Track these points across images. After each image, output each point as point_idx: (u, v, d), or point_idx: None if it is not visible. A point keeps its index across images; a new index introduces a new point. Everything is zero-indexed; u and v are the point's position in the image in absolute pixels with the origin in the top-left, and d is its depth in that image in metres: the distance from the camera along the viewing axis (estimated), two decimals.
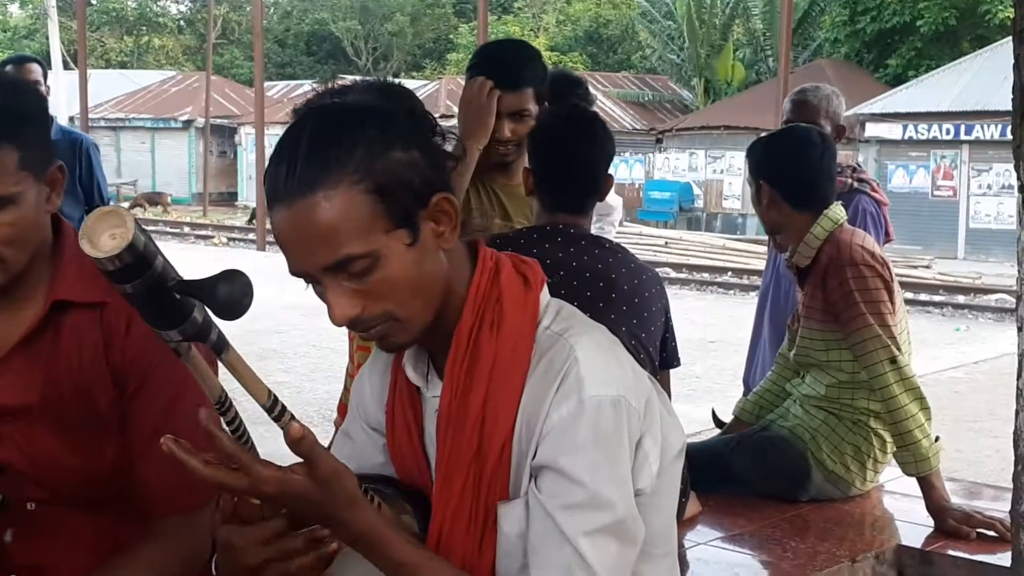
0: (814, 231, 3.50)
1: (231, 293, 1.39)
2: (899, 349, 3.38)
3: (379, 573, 1.65)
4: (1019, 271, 2.26)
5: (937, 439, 3.37)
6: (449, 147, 1.67)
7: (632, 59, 43.52)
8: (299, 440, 1.42)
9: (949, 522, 3.29)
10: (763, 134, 3.79)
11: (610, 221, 3.91)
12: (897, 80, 29.90)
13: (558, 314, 1.68)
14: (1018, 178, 2.25)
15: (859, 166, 4.54)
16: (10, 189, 1.84)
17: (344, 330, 2.96)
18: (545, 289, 1.70)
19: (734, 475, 3.64)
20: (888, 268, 3.50)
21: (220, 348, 1.46)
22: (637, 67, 42.04)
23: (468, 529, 1.61)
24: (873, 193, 4.40)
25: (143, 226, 1.39)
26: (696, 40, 34.90)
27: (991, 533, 3.24)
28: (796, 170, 3.54)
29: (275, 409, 1.45)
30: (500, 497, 1.61)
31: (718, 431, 4.07)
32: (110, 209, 1.37)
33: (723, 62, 34.02)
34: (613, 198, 3.70)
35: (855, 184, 4.37)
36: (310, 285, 1.59)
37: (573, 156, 3.02)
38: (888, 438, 3.51)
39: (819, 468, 3.58)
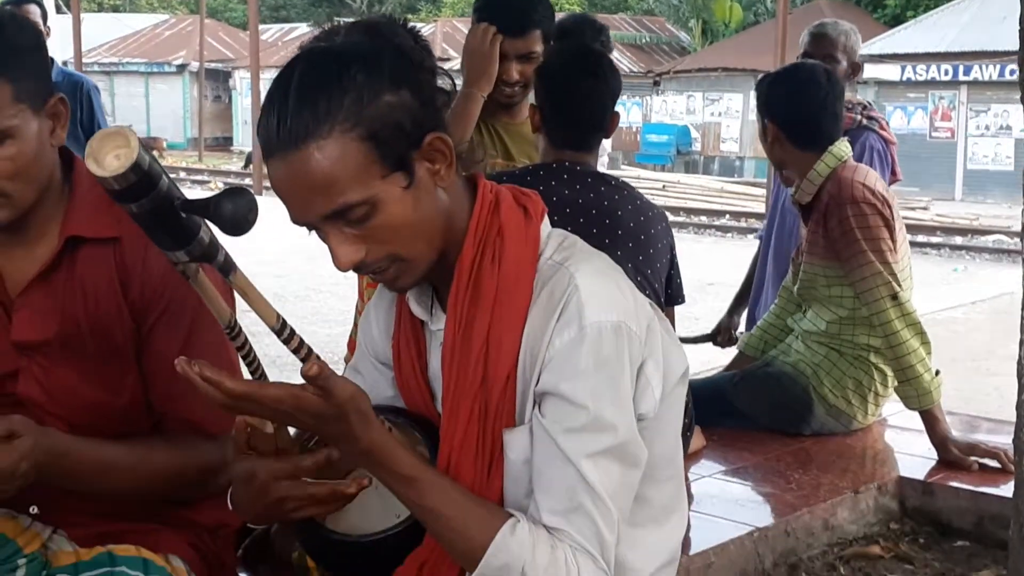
0: (817, 168, 3.52)
1: (236, 209, 1.40)
2: (900, 285, 3.42)
3: (385, 507, 1.69)
4: None
5: (938, 373, 3.41)
6: (440, 83, 1.67)
7: (629, 1, 43.20)
8: (316, 376, 1.44)
9: (952, 452, 3.34)
10: (767, 72, 3.79)
11: (601, 162, 3.93)
12: (895, 20, 29.76)
13: (559, 244, 1.70)
14: None
15: (870, 104, 4.52)
16: (7, 122, 1.85)
17: (350, 273, 3.01)
18: (546, 220, 1.72)
19: (737, 411, 3.69)
20: (889, 206, 3.53)
21: (227, 269, 1.48)
22: (634, 9, 41.72)
23: (476, 457, 1.64)
24: (882, 131, 4.40)
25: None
26: None
27: (993, 464, 3.29)
28: (799, 109, 3.56)
29: (284, 331, 1.48)
30: (506, 425, 1.64)
31: (722, 368, 4.12)
32: (114, 129, 1.39)
33: (721, 3, 33.74)
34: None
35: (864, 121, 4.37)
36: (313, 232, 1.61)
37: (580, 93, 3.03)
38: (889, 372, 3.56)
39: (821, 403, 3.63)
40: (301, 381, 1.47)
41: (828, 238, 3.52)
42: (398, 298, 1.81)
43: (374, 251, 1.58)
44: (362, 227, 1.56)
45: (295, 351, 1.49)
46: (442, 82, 1.68)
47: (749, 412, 3.69)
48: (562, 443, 1.57)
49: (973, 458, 3.33)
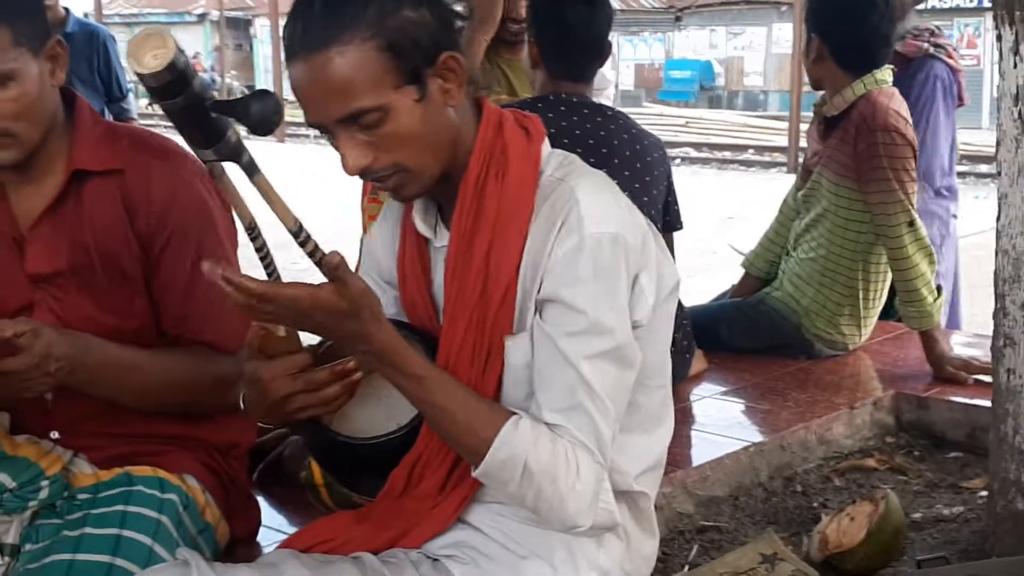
0: (854, 87, 3.56)
1: (263, 109, 1.52)
2: (915, 211, 3.48)
3: (388, 416, 1.79)
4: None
5: (940, 294, 3.48)
6: (459, 8, 1.76)
7: None
8: (337, 265, 1.53)
9: (947, 369, 3.43)
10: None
11: (606, 95, 3.97)
12: None
13: (560, 163, 1.78)
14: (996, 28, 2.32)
15: (938, 29, 4.44)
16: (8, 65, 1.94)
17: (356, 209, 3.10)
18: (546, 141, 1.80)
19: (734, 347, 3.78)
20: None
21: (251, 170, 1.58)
22: None
23: (472, 361, 1.74)
24: (948, 59, 4.34)
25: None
26: None
27: (988, 379, 3.36)
28: (851, 30, 3.57)
29: (301, 235, 1.57)
30: (503, 333, 1.73)
31: (726, 291, 4.18)
32: (152, 31, 1.49)
33: None
34: (608, 72, 3.76)
35: (931, 50, 4.30)
36: (326, 136, 1.70)
37: (576, 22, 3.09)
38: (878, 288, 3.64)
39: (816, 339, 3.72)
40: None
41: (852, 156, 3.54)
42: (403, 217, 1.90)
43: (381, 158, 1.67)
44: (372, 133, 1.64)
45: (311, 254, 1.57)
46: (461, 8, 1.76)
47: (746, 349, 3.77)
48: (562, 346, 1.66)
49: (965, 374, 3.41)
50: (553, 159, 1.79)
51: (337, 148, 1.68)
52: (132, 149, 2.13)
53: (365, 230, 3.18)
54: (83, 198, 2.11)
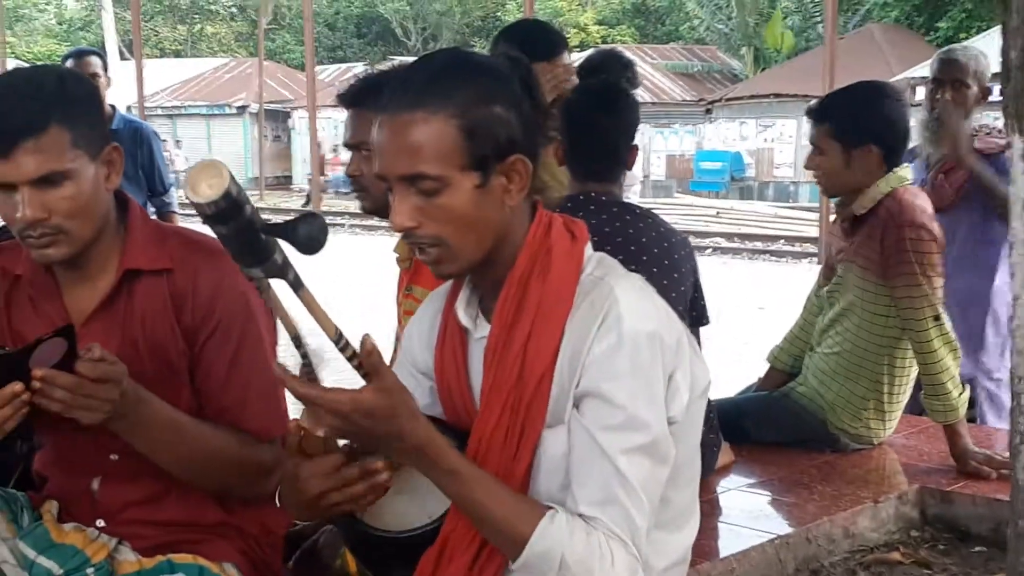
0: (879, 185, 3.63)
1: (310, 231, 1.62)
2: (942, 307, 3.54)
3: (420, 508, 1.86)
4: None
5: (964, 390, 3.53)
6: (548, 129, 1.89)
7: (680, 30, 43.23)
8: (371, 352, 1.61)
9: (971, 464, 3.46)
10: (820, 97, 3.80)
11: (633, 191, 4.08)
12: (948, 43, 29.35)
13: (599, 263, 1.88)
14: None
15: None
16: (65, 165, 2.06)
17: (392, 312, 3.17)
18: (589, 244, 1.90)
19: (760, 441, 3.82)
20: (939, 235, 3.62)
21: (297, 286, 1.68)
22: (686, 38, 41.78)
23: (504, 445, 1.80)
24: None
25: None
26: (744, 9, 34.64)
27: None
28: (900, 128, 3.66)
29: (341, 341, 1.66)
30: (535, 422, 1.80)
31: (752, 385, 4.23)
32: (208, 162, 1.60)
33: (772, 30, 33.65)
34: (635, 168, 3.88)
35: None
36: (388, 192, 1.80)
37: (594, 129, 3.21)
38: (902, 383, 3.68)
39: (841, 433, 3.76)
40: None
41: (879, 252, 3.60)
42: (444, 310, 1.99)
43: (427, 227, 1.77)
44: (426, 200, 1.75)
45: (350, 359, 1.65)
46: (548, 128, 1.89)
47: (772, 442, 3.82)
48: (600, 439, 1.73)
49: (988, 468, 3.44)
50: (593, 260, 1.87)
51: (391, 204, 1.79)
52: (180, 248, 2.25)
53: (400, 324, 3.27)
54: (134, 295, 2.22)
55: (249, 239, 1.62)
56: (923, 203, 3.64)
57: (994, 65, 3.61)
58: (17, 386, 1.91)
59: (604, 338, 1.75)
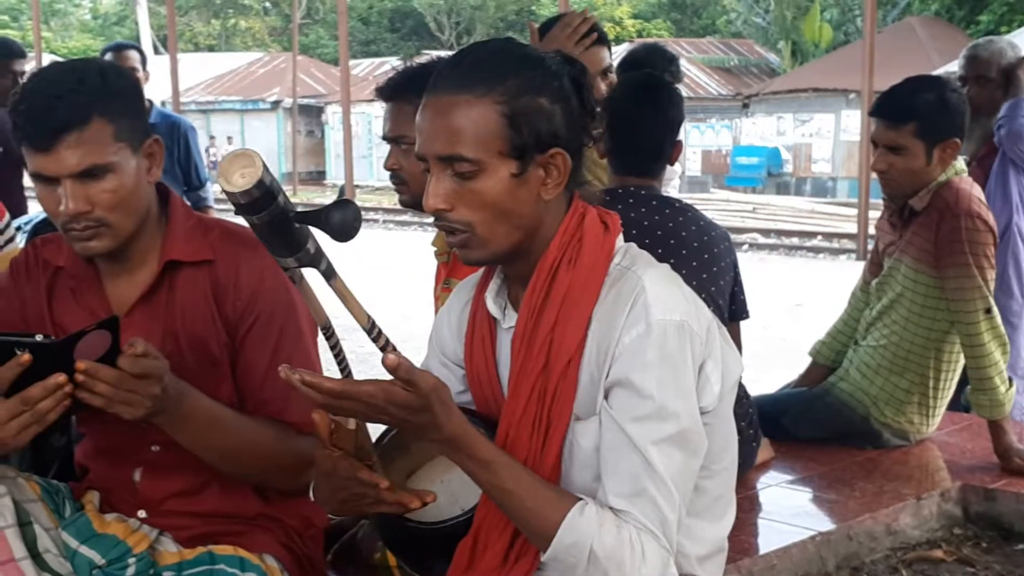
0: (940, 179, 3.60)
1: (344, 218, 1.62)
2: (993, 300, 3.50)
3: (452, 500, 1.86)
4: None
5: (1012, 385, 3.49)
6: (594, 130, 1.86)
7: (717, 24, 43.11)
8: (396, 368, 1.59)
9: (1015, 461, 3.43)
10: (884, 93, 3.77)
11: (672, 185, 4.06)
12: (989, 36, 29.27)
13: (627, 253, 1.86)
14: None
15: None
16: (108, 159, 2.07)
17: (428, 306, 3.17)
18: (621, 235, 1.89)
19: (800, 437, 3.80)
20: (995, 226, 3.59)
21: (329, 275, 1.67)
22: (722, 32, 41.66)
23: (532, 433, 1.80)
24: None
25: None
26: (782, 2, 34.45)
27: None
28: (965, 122, 3.65)
29: (373, 331, 1.65)
30: (564, 409, 1.79)
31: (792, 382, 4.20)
32: (241, 152, 1.60)
33: (810, 23, 33.53)
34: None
35: None
36: (425, 171, 1.80)
37: (639, 124, 3.19)
38: (947, 379, 3.64)
39: (884, 428, 3.72)
40: (387, 377, 1.63)
41: (934, 243, 3.57)
42: (473, 301, 1.99)
43: (459, 211, 1.76)
44: (461, 184, 1.75)
45: (382, 349, 1.66)
46: (594, 128, 1.86)
47: (812, 438, 3.79)
48: (629, 431, 1.72)
49: None
50: (622, 250, 1.86)
51: (427, 184, 1.78)
52: (222, 240, 2.25)
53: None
54: (175, 287, 2.22)
55: (282, 228, 1.61)
56: (979, 193, 3.63)
57: None
58: (60, 377, 1.90)
59: (632, 327, 1.74)
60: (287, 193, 1.68)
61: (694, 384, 1.77)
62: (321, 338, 1.71)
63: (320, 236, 1.72)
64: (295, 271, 1.67)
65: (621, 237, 1.88)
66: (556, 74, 1.78)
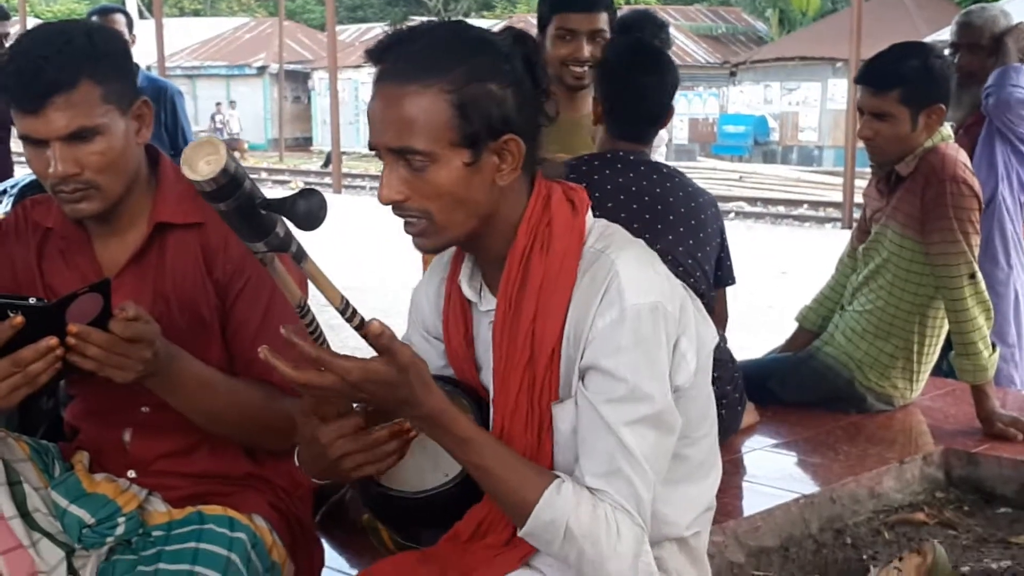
0: (924, 143, 3.62)
1: (309, 207, 1.61)
2: (976, 264, 3.52)
3: (435, 466, 1.87)
4: None
5: (994, 350, 3.51)
6: (548, 108, 1.85)
7: None
8: (379, 335, 1.60)
9: (997, 426, 3.46)
10: (869, 59, 3.76)
11: (659, 152, 4.06)
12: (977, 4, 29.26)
13: (601, 233, 1.86)
14: None
15: None
16: (96, 120, 2.07)
17: (418, 267, 3.18)
18: (590, 212, 1.88)
19: (785, 401, 3.83)
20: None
21: (299, 257, 1.68)
22: (710, 0, 41.57)
23: (526, 426, 1.82)
24: None
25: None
26: None
27: None
28: (951, 86, 3.67)
29: (347, 311, 1.66)
30: (552, 397, 1.81)
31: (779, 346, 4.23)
32: (205, 139, 1.60)
33: None
34: (662, 130, 3.87)
35: None
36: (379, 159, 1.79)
37: (641, 87, 3.18)
38: (931, 343, 3.67)
39: (868, 392, 3.75)
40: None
41: (920, 207, 3.58)
42: (448, 280, 1.99)
43: (414, 200, 1.76)
44: (414, 175, 1.74)
45: (357, 328, 1.64)
46: (550, 108, 1.85)
47: (797, 402, 3.82)
48: (604, 412, 1.74)
49: (1015, 431, 3.44)
50: (595, 229, 1.86)
51: (381, 173, 1.79)
52: None
53: None
54: (165, 249, 2.22)
55: (249, 215, 1.61)
56: (965, 159, 3.64)
57: None
58: (52, 340, 1.91)
59: (606, 312, 1.74)
60: (273, 159, 1.68)
61: (668, 364, 1.78)
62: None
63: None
64: (265, 255, 1.68)
65: (591, 214, 1.88)
66: (507, 56, 1.77)
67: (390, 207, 1.79)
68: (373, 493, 1.88)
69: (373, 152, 1.80)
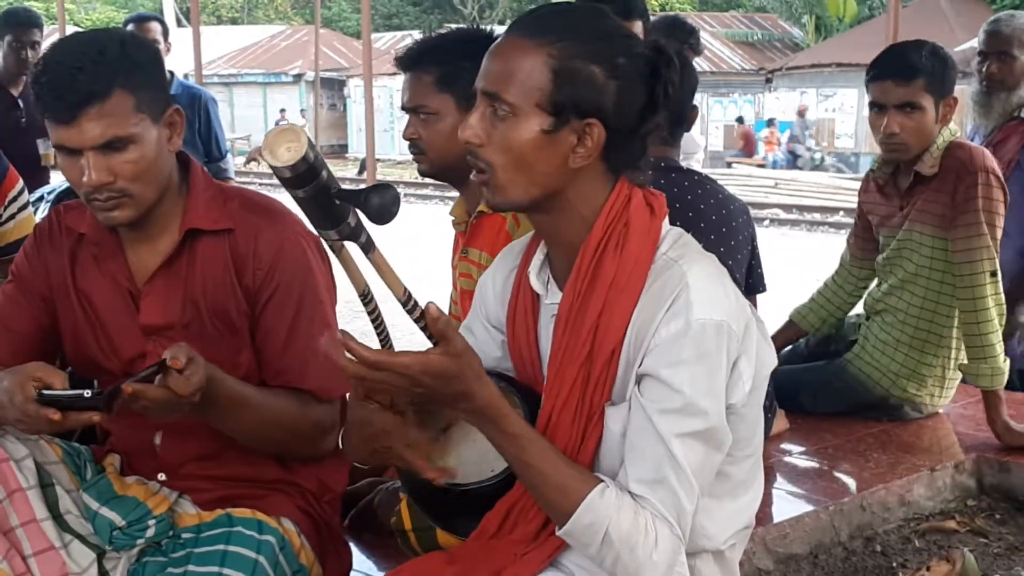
0: (938, 141, 3.58)
1: (383, 201, 1.65)
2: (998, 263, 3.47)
3: (482, 459, 1.88)
4: None
5: (1007, 358, 3.47)
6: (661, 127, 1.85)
7: None
8: (437, 318, 1.61)
9: (1020, 438, 3.40)
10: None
11: (696, 159, 4.06)
12: (1015, 9, 29.06)
13: (676, 242, 1.86)
14: None
15: None
16: (129, 130, 2.09)
17: (447, 272, 3.19)
18: (667, 219, 1.89)
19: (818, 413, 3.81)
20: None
21: (368, 248, 1.70)
22: (746, 6, 41.39)
23: (573, 420, 1.82)
24: None
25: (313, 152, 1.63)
26: None
27: None
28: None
29: (409, 303, 1.68)
30: (604, 396, 1.81)
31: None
32: (287, 126, 1.62)
33: None
34: (697, 137, 3.87)
35: None
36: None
37: None
38: (956, 349, 3.63)
39: (904, 402, 3.72)
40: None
41: (950, 205, 3.52)
42: (518, 272, 2.00)
43: (487, 150, 1.77)
44: (496, 123, 1.76)
45: (417, 321, 1.67)
46: (662, 125, 1.84)
47: (830, 414, 3.80)
48: (657, 421, 1.73)
49: None
50: (669, 237, 1.86)
51: (468, 114, 1.81)
52: (242, 209, 2.27)
53: (456, 287, 3.29)
54: (195, 255, 2.25)
55: (324, 203, 1.64)
56: (984, 151, 3.59)
57: None
58: (95, 417, 1.93)
59: (671, 322, 1.74)
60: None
61: (725, 382, 1.77)
62: (360, 306, 1.73)
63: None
64: (335, 242, 1.70)
65: (667, 221, 1.88)
66: (632, 55, 1.78)
67: (466, 148, 1.80)
68: (416, 482, 1.89)
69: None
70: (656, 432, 1.73)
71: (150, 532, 2.20)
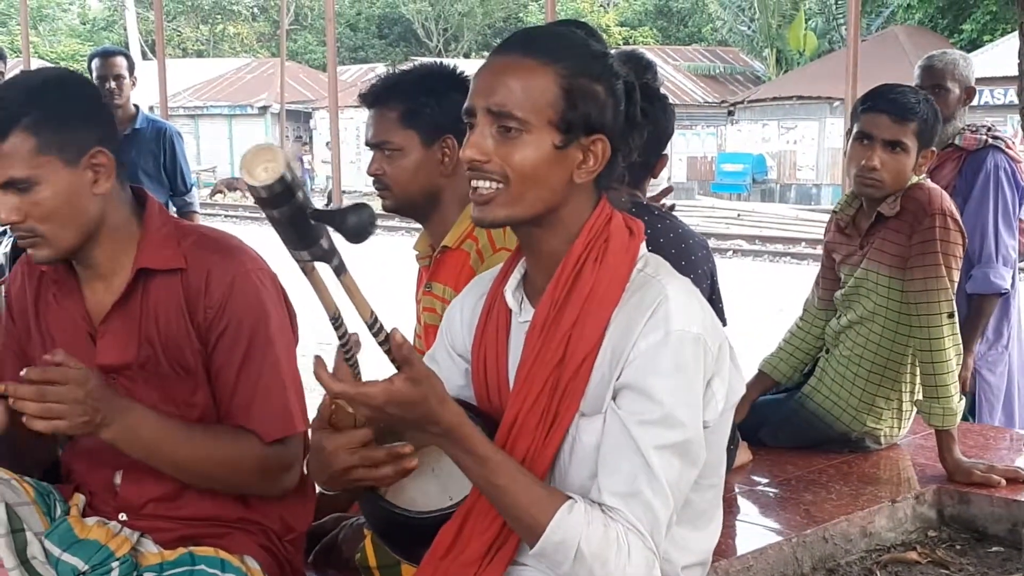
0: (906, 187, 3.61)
1: (360, 220, 1.65)
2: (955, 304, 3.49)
3: (442, 490, 1.90)
4: None
5: (962, 398, 3.50)
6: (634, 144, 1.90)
7: (703, 31, 43.23)
8: (401, 344, 1.64)
9: (976, 474, 3.42)
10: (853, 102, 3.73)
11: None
12: (972, 45, 29.41)
13: (652, 262, 1.90)
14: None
15: (994, 126, 4.55)
16: (28, 172, 2.10)
17: (412, 310, 3.20)
18: (644, 242, 1.93)
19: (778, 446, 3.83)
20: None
21: (339, 271, 1.71)
22: (708, 39, 41.79)
23: (537, 425, 1.83)
24: (1008, 151, 4.42)
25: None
26: (767, 10, 34.59)
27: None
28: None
29: (375, 326, 1.69)
30: (571, 405, 1.82)
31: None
32: (265, 146, 1.63)
33: (795, 32, 33.64)
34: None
35: (990, 141, 4.40)
36: (468, 122, 1.84)
37: None
38: (912, 384, 3.66)
39: (863, 434, 3.75)
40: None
41: (907, 245, 3.55)
42: (491, 291, 2.02)
43: (495, 163, 1.79)
44: (504, 139, 1.79)
45: (381, 344, 1.68)
46: (635, 143, 1.90)
47: (791, 447, 3.82)
48: (635, 433, 1.75)
49: (997, 477, 3.42)
50: (648, 259, 1.90)
51: (469, 135, 1.82)
52: (195, 247, 2.28)
53: (419, 321, 3.30)
54: (148, 294, 2.25)
55: (299, 224, 1.65)
56: (943, 193, 3.63)
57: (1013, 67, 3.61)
58: None
59: (651, 333, 1.76)
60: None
61: (702, 397, 1.80)
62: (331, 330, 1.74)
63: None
64: (307, 264, 1.71)
65: (644, 245, 1.92)
66: (617, 74, 1.84)
67: (468, 168, 1.82)
68: (376, 508, 1.90)
69: (467, 119, 1.84)
70: (634, 444, 1.74)
71: (114, 575, 2.18)
